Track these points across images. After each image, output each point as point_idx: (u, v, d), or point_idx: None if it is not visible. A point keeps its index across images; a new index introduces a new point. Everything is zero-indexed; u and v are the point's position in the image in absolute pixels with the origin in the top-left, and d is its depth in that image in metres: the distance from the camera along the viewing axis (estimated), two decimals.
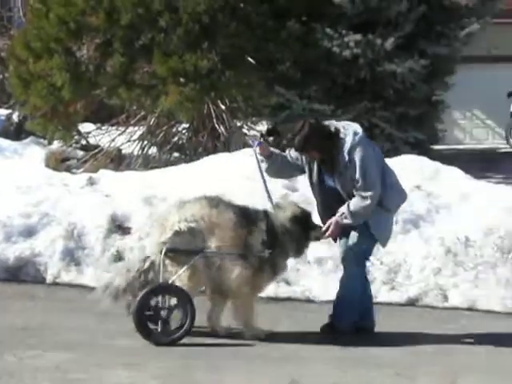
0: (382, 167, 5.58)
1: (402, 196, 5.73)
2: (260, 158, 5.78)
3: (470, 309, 6.70)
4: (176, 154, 13.71)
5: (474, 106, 23.33)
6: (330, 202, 5.55)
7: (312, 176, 5.64)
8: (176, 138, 14.08)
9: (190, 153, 13.21)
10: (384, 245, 5.79)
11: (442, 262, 7.12)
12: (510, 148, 20.37)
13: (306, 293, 6.89)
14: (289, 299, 6.78)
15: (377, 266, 7.04)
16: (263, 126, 14.80)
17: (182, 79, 11.42)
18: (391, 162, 9.35)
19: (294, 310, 6.47)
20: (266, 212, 5.67)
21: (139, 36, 11.69)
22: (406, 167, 9.13)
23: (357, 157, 5.36)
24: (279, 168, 5.79)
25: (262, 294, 6.54)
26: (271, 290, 6.72)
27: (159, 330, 5.22)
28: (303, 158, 5.65)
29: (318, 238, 5.70)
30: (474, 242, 7.20)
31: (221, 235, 5.39)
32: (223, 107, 12.96)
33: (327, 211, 5.57)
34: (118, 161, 13.17)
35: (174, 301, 5.29)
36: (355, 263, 5.63)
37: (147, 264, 5.45)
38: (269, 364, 4.93)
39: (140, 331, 5.22)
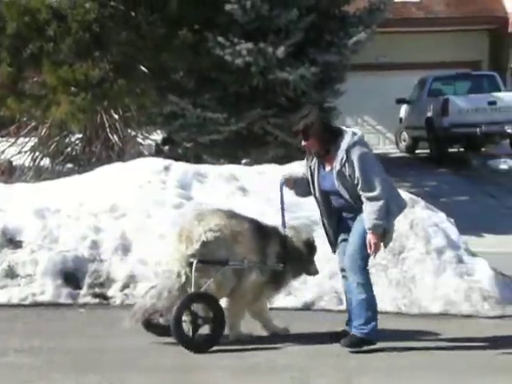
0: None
1: (403, 201, 5.78)
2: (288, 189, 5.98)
3: None
4: (69, 165, 13.46)
5: (365, 113, 23.95)
6: (333, 208, 5.68)
7: (314, 184, 5.69)
8: (69, 149, 13.84)
9: (84, 163, 12.99)
10: (386, 247, 5.83)
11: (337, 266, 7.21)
12: (401, 152, 21.02)
13: None
14: None
15: None
16: (158, 135, 14.72)
17: (72, 88, 11.22)
18: (284, 168, 9.60)
19: None
20: (277, 228, 5.90)
21: (27, 45, 11.40)
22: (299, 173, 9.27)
23: (355, 155, 5.37)
24: (304, 189, 5.89)
25: None
26: None
27: (193, 336, 5.44)
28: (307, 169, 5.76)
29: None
30: None
31: (244, 243, 5.62)
32: (116, 116, 12.84)
33: (331, 219, 5.73)
34: (8, 173, 12.85)
35: (206, 308, 5.49)
36: (363, 268, 5.55)
37: (183, 279, 5.53)
38: (160, 372, 4.88)
39: (178, 339, 5.40)
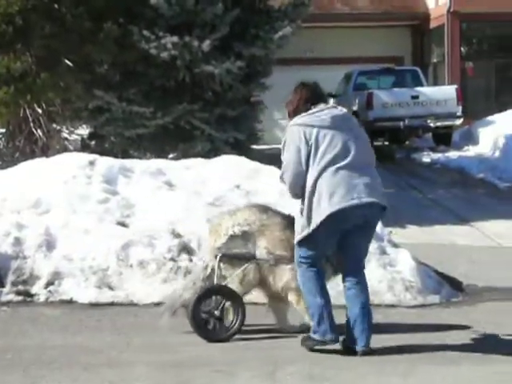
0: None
1: None
2: None
3: None
4: None
5: None
6: None
7: None
8: None
9: (7, 158, 12.72)
10: None
11: None
12: None
13: (129, 297, 6.81)
14: (112, 304, 6.66)
15: (199, 265, 7.08)
16: (84, 130, 14.53)
17: None
18: (211, 162, 9.62)
19: (117, 314, 6.38)
20: None
21: None
22: (226, 167, 9.30)
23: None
24: None
25: (85, 301, 6.59)
26: (92, 295, 6.64)
27: (213, 328, 5.53)
28: None
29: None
30: None
31: (271, 237, 5.58)
32: (40, 111, 12.60)
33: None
34: None
35: (226, 301, 5.54)
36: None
37: (208, 271, 5.66)
38: (89, 370, 4.85)
39: (196, 330, 5.51)
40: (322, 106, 5.28)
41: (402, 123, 17.91)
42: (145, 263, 7.02)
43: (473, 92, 22.63)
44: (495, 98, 22.82)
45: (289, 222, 5.59)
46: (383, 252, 7.42)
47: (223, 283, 5.59)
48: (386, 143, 19.32)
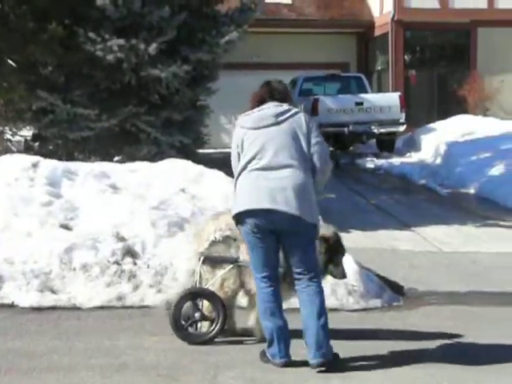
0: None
1: None
2: None
3: None
4: None
5: (239, 111, 24.00)
6: None
7: None
8: None
9: None
10: None
11: None
12: None
13: (72, 300, 6.75)
14: (54, 308, 6.59)
15: (144, 269, 7.06)
16: (27, 131, 14.31)
17: None
18: (156, 165, 9.60)
19: (60, 318, 6.32)
20: None
21: None
22: (171, 171, 9.30)
23: None
24: None
25: (26, 304, 6.50)
26: (34, 299, 6.56)
27: (193, 330, 5.58)
28: None
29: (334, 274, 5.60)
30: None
31: None
32: None
33: None
34: None
35: (206, 304, 5.58)
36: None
37: (195, 277, 5.67)
38: (29, 375, 4.80)
39: (174, 330, 5.52)
40: (266, 105, 5.13)
41: (346, 129, 18.13)
42: (88, 266, 6.96)
43: (415, 99, 23.04)
44: (437, 106, 23.27)
45: None
46: None
47: (205, 286, 5.61)
48: (331, 149, 19.50)
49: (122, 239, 7.32)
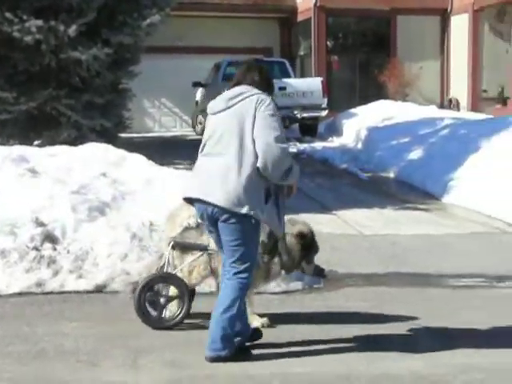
0: None
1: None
2: None
3: None
4: None
5: (162, 95, 24.06)
6: None
7: None
8: None
9: None
10: None
11: (129, 248, 7.23)
12: (197, 135, 21.31)
13: None
14: None
15: (63, 254, 6.96)
16: None
17: None
18: (77, 149, 9.45)
19: None
20: None
21: None
22: (92, 155, 9.18)
23: None
24: None
25: None
26: None
27: (156, 315, 5.48)
28: None
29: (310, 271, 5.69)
30: (158, 226, 7.40)
31: None
32: None
33: None
34: None
35: (172, 290, 5.49)
36: None
37: (162, 260, 5.66)
38: None
39: (139, 314, 5.46)
40: (234, 88, 4.91)
41: None
42: (6, 252, 6.82)
43: (338, 85, 23.32)
44: (358, 91, 23.62)
45: None
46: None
47: (172, 272, 5.55)
48: None
49: (41, 224, 7.20)
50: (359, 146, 17.14)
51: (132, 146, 11.24)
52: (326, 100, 19.00)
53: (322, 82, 19.16)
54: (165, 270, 5.59)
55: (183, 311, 5.51)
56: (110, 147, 9.56)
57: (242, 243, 4.76)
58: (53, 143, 10.39)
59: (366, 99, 21.06)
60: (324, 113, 19.09)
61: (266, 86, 4.98)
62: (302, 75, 23.45)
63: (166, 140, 20.77)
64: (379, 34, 23.99)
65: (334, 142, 18.61)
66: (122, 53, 12.68)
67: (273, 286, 6.93)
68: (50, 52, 11.78)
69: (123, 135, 14.48)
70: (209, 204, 4.71)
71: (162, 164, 9.78)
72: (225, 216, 4.69)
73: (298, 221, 5.72)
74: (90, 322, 5.49)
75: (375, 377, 4.73)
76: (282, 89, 18.62)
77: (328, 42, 23.56)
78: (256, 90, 4.83)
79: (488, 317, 6.07)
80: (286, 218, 5.32)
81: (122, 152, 9.42)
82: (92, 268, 6.98)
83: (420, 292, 6.92)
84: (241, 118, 4.73)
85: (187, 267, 5.58)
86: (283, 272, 5.71)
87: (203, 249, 5.53)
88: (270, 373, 4.68)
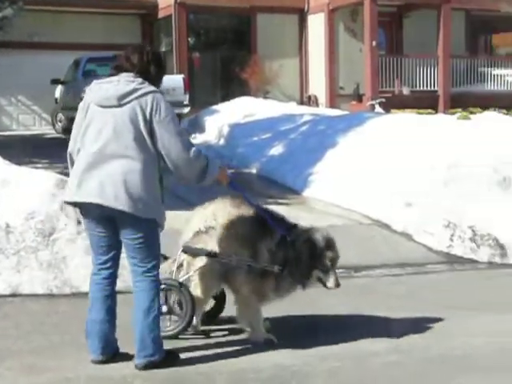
0: None
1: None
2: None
3: (13, 295, 6.71)
4: None
5: (20, 93, 23.28)
6: None
7: None
8: None
9: None
10: None
11: None
12: (57, 133, 20.80)
13: None
14: None
15: None
16: None
17: None
18: None
19: None
20: (292, 226, 5.29)
21: None
22: None
23: None
24: None
25: None
26: None
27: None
28: None
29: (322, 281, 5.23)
30: (15, 228, 7.19)
31: (235, 235, 5.21)
32: None
33: None
34: None
35: (177, 298, 5.25)
36: None
37: (175, 265, 5.37)
38: None
39: None
40: (117, 77, 4.69)
41: None
42: None
43: (200, 82, 23.38)
44: (221, 88, 23.79)
45: (261, 219, 5.25)
46: None
47: (179, 279, 5.31)
48: None
49: None
50: (222, 142, 17.28)
51: None
52: (187, 97, 19.02)
53: (184, 78, 19.16)
54: (173, 276, 5.35)
55: (183, 324, 5.25)
56: None
57: (147, 243, 4.69)
58: None
59: (228, 96, 21.24)
60: (186, 110, 19.10)
61: (153, 74, 4.76)
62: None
63: (24, 139, 20.13)
64: (240, 31, 24.25)
65: (197, 139, 18.65)
66: None
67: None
68: None
69: None
70: (111, 209, 4.54)
71: (19, 164, 9.48)
72: (129, 221, 4.59)
73: (317, 228, 5.45)
74: None
75: (237, 371, 4.81)
76: None
77: (189, 39, 23.58)
78: (149, 88, 4.65)
79: (346, 306, 6.32)
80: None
81: None
82: None
83: None
84: (135, 118, 4.57)
85: (196, 274, 5.32)
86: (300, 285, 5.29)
87: (213, 255, 5.23)
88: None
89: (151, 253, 4.75)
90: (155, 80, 4.80)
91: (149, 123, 4.59)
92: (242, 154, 15.29)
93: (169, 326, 5.29)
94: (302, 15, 24.13)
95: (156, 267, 4.79)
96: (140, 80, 4.67)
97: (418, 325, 5.87)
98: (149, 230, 4.69)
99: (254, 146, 15.36)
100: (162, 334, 4.90)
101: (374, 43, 21.69)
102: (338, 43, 23.40)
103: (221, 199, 5.54)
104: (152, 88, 4.68)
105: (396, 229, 9.64)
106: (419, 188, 10.23)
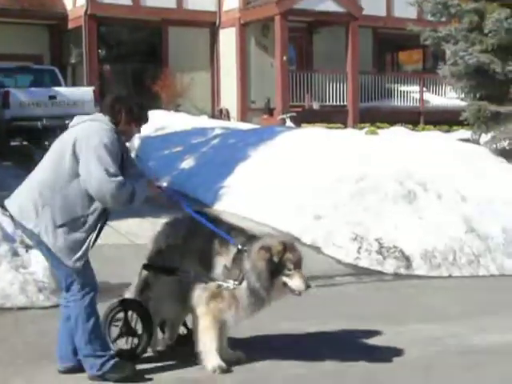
0: None
1: None
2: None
3: None
4: None
5: None
6: None
7: None
8: None
9: None
10: None
11: None
12: None
13: None
14: None
15: None
16: None
17: None
18: None
19: None
20: (251, 237, 5.00)
21: None
22: None
23: None
24: None
25: None
26: None
27: (121, 344, 5.14)
28: None
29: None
30: None
31: (191, 250, 5.11)
32: None
33: None
34: None
35: (135, 316, 5.18)
36: None
37: (139, 282, 5.33)
38: None
39: None
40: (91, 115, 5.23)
41: (39, 123, 17.66)
42: None
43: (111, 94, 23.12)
44: None
45: (209, 230, 5.05)
46: (15, 254, 7.33)
47: (141, 296, 5.24)
48: (25, 143, 18.90)
49: None
50: (132, 155, 17.12)
51: None
52: (98, 109, 18.79)
53: (94, 91, 18.93)
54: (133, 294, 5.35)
55: (140, 345, 5.18)
56: None
57: (62, 271, 4.91)
58: None
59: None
60: None
61: (112, 114, 5.22)
62: (74, 84, 23.00)
63: None
64: (152, 44, 24.16)
65: None
66: None
67: (42, 300, 6.80)
68: None
69: None
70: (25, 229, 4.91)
71: None
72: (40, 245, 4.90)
73: (272, 235, 5.34)
74: None
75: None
76: (53, 97, 18.15)
77: (100, 51, 23.33)
78: (96, 117, 5.16)
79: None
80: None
81: None
82: None
83: None
84: (62, 149, 4.94)
85: (155, 293, 5.28)
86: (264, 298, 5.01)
87: (173, 271, 5.13)
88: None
89: (66, 278, 4.91)
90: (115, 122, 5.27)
91: (73, 154, 4.94)
92: (153, 167, 15.21)
93: (129, 345, 5.23)
94: (213, 29, 24.25)
95: (74, 293, 4.90)
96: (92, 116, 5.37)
97: (323, 336, 5.98)
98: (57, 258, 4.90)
99: (164, 159, 15.32)
100: (124, 354, 5.03)
101: (284, 58, 22.01)
102: (249, 58, 23.62)
103: (185, 216, 5.41)
104: (97, 118, 5.26)
105: (305, 241, 9.78)
106: (328, 201, 10.42)
